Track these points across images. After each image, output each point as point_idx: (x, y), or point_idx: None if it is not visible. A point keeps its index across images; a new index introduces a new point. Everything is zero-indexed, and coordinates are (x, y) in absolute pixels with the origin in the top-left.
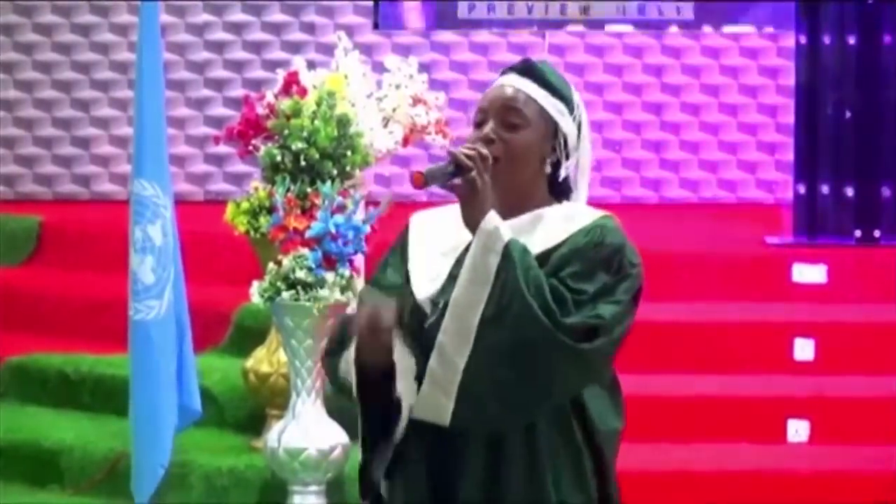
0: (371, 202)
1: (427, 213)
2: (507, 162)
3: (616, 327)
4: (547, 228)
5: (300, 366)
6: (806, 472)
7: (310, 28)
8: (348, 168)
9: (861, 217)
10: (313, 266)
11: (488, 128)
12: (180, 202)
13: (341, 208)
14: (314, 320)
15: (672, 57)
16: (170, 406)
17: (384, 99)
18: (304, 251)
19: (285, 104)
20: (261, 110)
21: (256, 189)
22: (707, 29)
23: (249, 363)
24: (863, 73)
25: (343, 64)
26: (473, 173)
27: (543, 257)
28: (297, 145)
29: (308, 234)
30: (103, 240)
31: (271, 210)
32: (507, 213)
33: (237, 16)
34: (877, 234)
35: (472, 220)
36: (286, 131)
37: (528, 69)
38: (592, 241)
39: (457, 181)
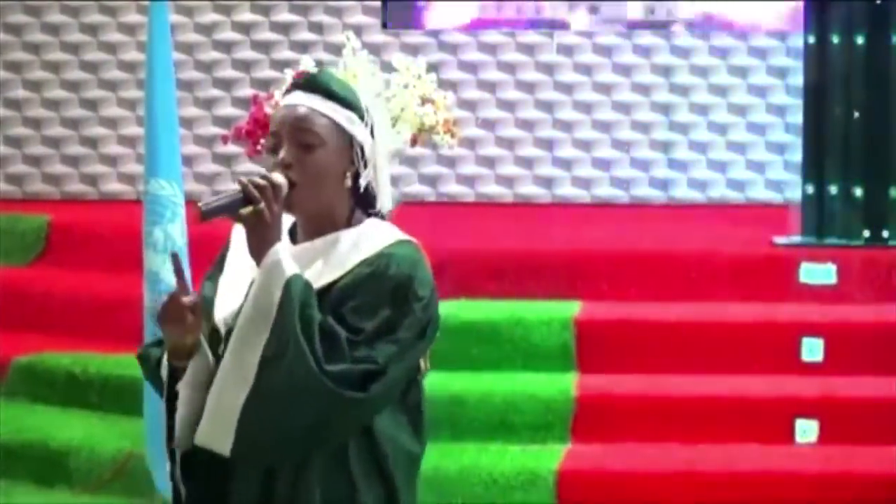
0: None
1: None
2: (307, 185)
3: (392, 368)
4: (337, 255)
5: None
6: (814, 472)
7: (318, 28)
8: None
9: (869, 217)
10: None
11: (284, 152)
12: (188, 202)
13: None
14: None
15: (680, 57)
16: None
17: (392, 99)
18: None
19: None
20: (269, 110)
21: None
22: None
23: None
24: (871, 73)
25: (351, 64)
26: (262, 205)
27: (328, 289)
28: None
29: None
30: (111, 239)
31: None
32: (312, 237)
33: (245, 15)
34: (885, 234)
35: (257, 252)
36: None
37: (312, 84)
38: (376, 273)
39: (245, 211)
